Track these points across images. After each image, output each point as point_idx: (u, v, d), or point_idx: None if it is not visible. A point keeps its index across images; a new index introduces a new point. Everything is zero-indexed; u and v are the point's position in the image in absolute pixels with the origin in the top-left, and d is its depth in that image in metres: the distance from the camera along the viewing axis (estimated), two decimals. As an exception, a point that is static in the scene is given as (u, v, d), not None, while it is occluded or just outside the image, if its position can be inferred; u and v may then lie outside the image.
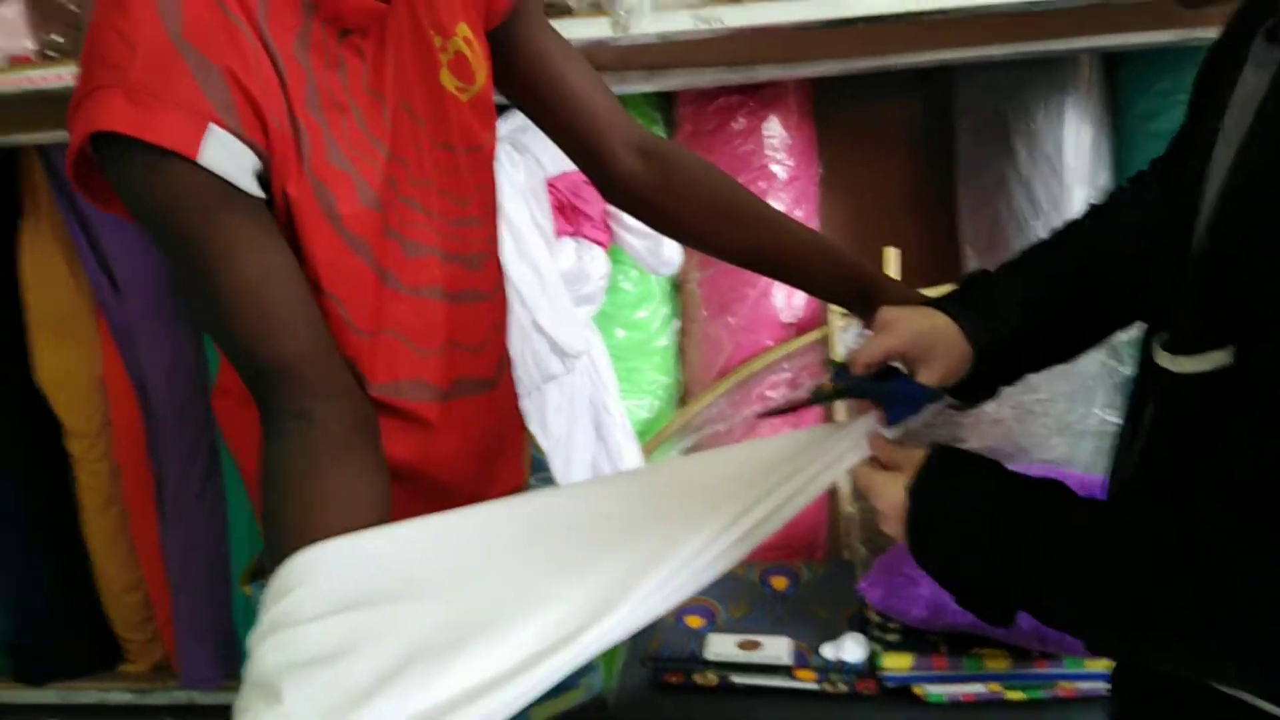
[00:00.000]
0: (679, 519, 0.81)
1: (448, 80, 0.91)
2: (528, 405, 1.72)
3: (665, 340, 1.97)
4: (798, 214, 1.97)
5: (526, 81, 1.00)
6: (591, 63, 1.76)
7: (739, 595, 1.67)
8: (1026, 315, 0.87)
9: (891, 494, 0.76)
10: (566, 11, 1.64)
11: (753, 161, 1.95)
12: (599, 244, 1.81)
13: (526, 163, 1.70)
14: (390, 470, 0.93)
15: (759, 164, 1.95)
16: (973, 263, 1.99)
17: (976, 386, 0.90)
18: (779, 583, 1.71)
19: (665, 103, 2.01)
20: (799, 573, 1.74)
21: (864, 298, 1.01)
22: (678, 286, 2.00)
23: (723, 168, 1.90)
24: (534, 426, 1.70)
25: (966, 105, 1.97)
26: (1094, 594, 0.65)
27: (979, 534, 0.69)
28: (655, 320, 1.95)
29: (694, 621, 1.59)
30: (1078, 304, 0.89)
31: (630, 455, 1.83)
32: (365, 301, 0.87)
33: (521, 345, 1.63)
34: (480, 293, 0.98)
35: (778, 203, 1.95)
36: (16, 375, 2.09)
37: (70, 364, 2.08)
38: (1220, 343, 0.61)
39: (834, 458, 0.85)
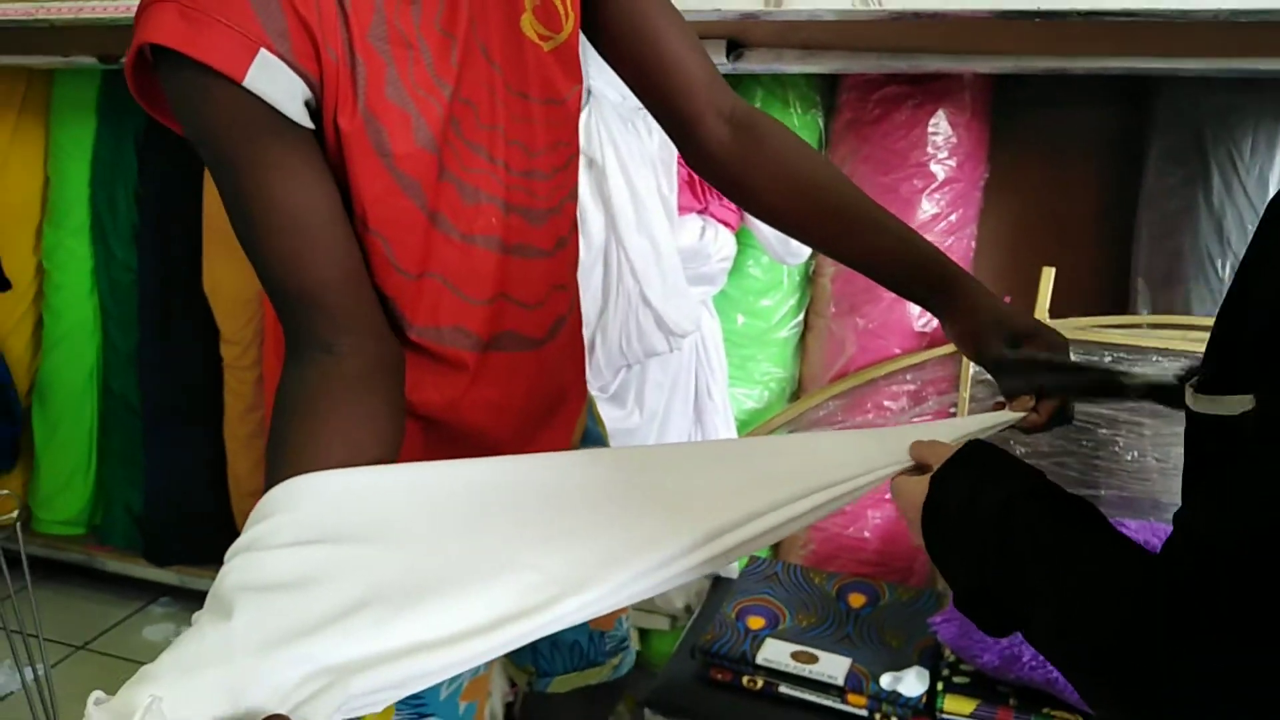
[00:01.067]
0: (688, 506, 0.77)
1: (529, 27, 0.88)
2: (626, 377, 1.71)
3: (787, 333, 1.89)
4: (952, 218, 1.85)
5: (619, 36, 0.96)
6: (745, 39, 1.74)
7: (809, 604, 1.60)
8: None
9: (914, 490, 0.72)
10: (719, -19, 1.58)
11: (911, 157, 1.84)
12: (726, 224, 1.75)
13: (661, 134, 1.66)
14: (423, 416, 0.94)
15: (918, 160, 1.84)
16: (1142, 297, 1.81)
17: None
18: (856, 600, 1.63)
19: (828, 87, 1.93)
20: (880, 594, 1.65)
21: (944, 299, 0.93)
22: (810, 279, 1.92)
23: (877, 160, 1.87)
24: (629, 400, 1.69)
25: (1163, 122, 1.78)
26: (1064, 623, 0.58)
27: (987, 533, 0.64)
28: (779, 310, 1.88)
29: (755, 622, 1.53)
30: None
31: (727, 443, 1.77)
32: (412, 242, 0.86)
33: (626, 317, 1.61)
34: (539, 249, 0.96)
35: (932, 204, 1.84)
36: (192, 282, 2.25)
37: (233, 276, 2.21)
38: (1245, 388, 0.52)
39: (874, 466, 0.80)
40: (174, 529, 2.32)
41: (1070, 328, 1.72)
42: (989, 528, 0.63)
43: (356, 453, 0.77)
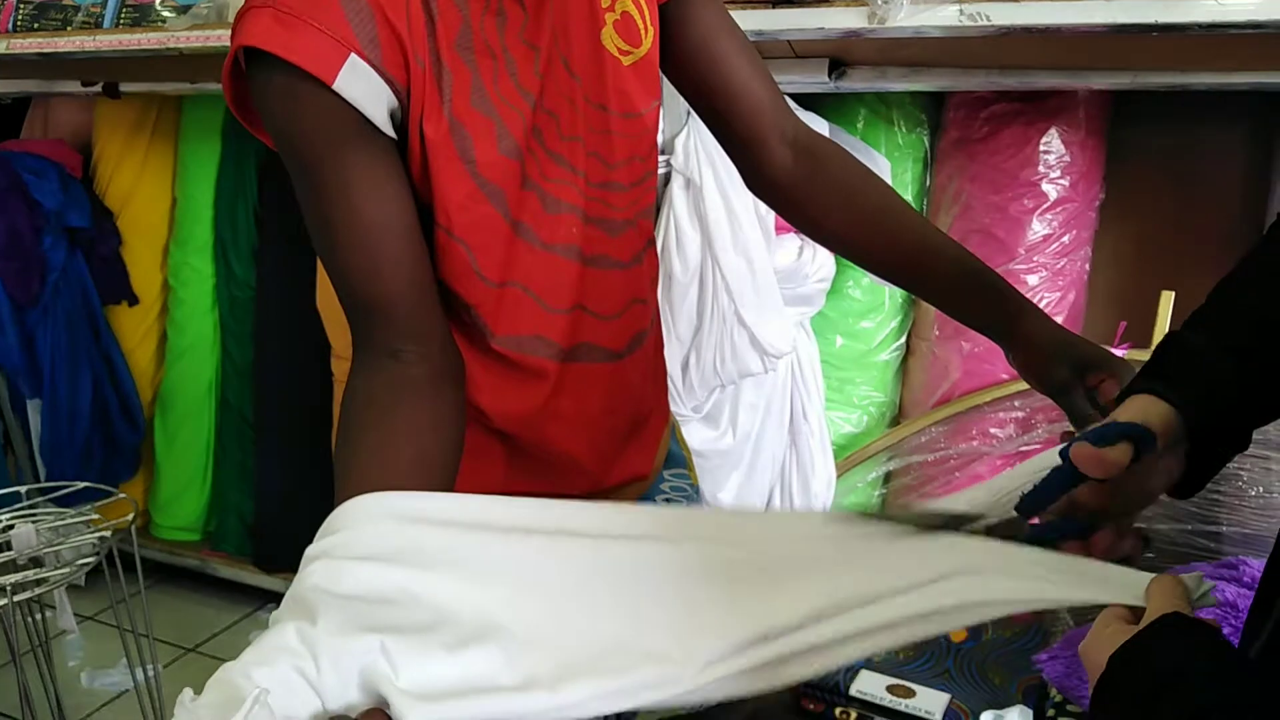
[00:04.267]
0: (774, 595, 0.69)
1: (609, 40, 0.89)
2: (720, 397, 1.69)
3: (887, 356, 1.85)
4: (1065, 239, 1.78)
5: (688, 59, 0.96)
6: (848, 57, 1.71)
7: (907, 637, 1.55)
8: (1238, 371, 0.68)
9: (1096, 651, 0.60)
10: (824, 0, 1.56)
11: (1021, 176, 1.79)
12: (826, 244, 1.72)
13: (761, 151, 1.65)
14: (502, 430, 0.94)
15: (1029, 179, 1.79)
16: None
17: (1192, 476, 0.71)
18: (957, 635, 1.57)
19: (933, 105, 1.88)
20: (983, 629, 1.58)
21: (1006, 326, 0.91)
22: (913, 301, 1.87)
23: (985, 180, 1.82)
24: (723, 420, 1.67)
25: (1295, 139, 1.69)
26: None
27: None
28: (880, 333, 1.84)
29: (848, 653, 1.49)
30: None
31: (824, 468, 1.74)
32: (495, 251, 0.86)
33: (720, 336, 1.59)
34: (617, 261, 0.95)
35: (1043, 224, 1.77)
36: (305, 299, 2.32)
37: (344, 293, 2.28)
38: None
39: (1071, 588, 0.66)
40: (282, 537, 2.39)
41: (1191, 354, 1.63)
42: None
43: (424, 456, 0.77)
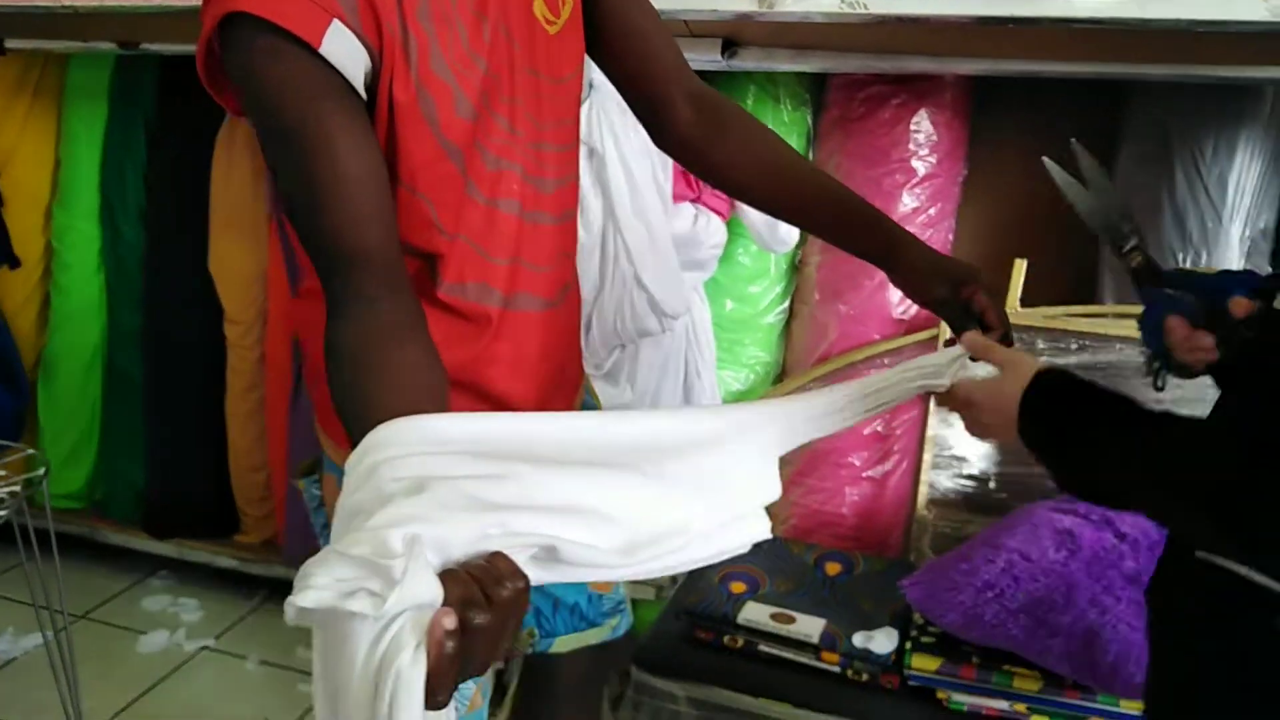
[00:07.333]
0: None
1: (539, 10, 0.98)
2: (620, 357, 1.79)
3: (773, 319, 1.99)
4: (931, 211, 1.95)
5: (601, 26, 1.07)
6: (739, 38, 1.83)
7: (788, 572, 1.69)
8: None
9: (996, 397, 0.88)
10: (716, -19, 1.67)
11: (893, 154, 1.94)
12: (718, 213, 1.84)
13: (658, 123, 1.75)
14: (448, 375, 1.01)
15: (899, 156, 1.94)
16: (1108, 288, 1.91)
17: None
18: (832, 568, 1.72)
19: (816, 85, 2.02)
20: (855, 563, 1.74)
21: (888, 254, 1.07)
22: (796, 267, 2.01)
23: (861, 156, 1.97)
24: (622, 378, 1.77)
25: (1133, 125, 1.89)
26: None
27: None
28: (766, 297, 1.97)
29: (737, 587, 1.62)
30: None
31: (714, 421, 1.86)
32: (451, 205, 0.94)
33: (621, 298, 1.69)
34: (550, 215, 1.04)
35: (912, 198, 1.93)
36: (197, 263, 2.33)
37: (239, 257, 2.29)
38: None
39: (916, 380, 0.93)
40: (174, 503, 2.39)
41: (1040, 316, 1.82)
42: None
43: (420, 390, 0.80)
